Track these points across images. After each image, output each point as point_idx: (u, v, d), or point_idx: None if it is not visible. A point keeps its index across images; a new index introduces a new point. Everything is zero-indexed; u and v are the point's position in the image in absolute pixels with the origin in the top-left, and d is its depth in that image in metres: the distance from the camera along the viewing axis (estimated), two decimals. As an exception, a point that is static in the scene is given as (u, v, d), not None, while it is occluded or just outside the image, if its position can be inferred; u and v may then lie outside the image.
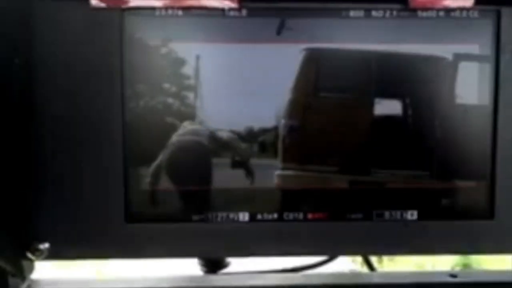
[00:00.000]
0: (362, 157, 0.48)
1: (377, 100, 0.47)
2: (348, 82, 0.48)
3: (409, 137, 0.48)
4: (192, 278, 0.53)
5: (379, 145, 0.48)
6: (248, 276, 0.53)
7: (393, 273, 0.62)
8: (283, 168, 0.47)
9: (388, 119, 0.48)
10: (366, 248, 0.48)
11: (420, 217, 0.48)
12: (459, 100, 0.48)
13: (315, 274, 0.57)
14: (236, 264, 0.56)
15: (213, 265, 0.56)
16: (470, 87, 0.48)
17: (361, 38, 0.47)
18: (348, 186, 0.48)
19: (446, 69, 0.47)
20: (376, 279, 0.53)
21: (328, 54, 0.47)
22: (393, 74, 0.48)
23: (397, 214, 0.48)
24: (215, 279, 0.54)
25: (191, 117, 0.46)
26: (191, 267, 0.56)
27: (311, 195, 0.48)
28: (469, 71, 0.47)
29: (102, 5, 0.44)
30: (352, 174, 0.48)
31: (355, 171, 0.48)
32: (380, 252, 0.48)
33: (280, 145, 0.47)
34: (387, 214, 0.48)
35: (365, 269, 0.60)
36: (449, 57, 0.47)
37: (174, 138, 0.46)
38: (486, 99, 0.47)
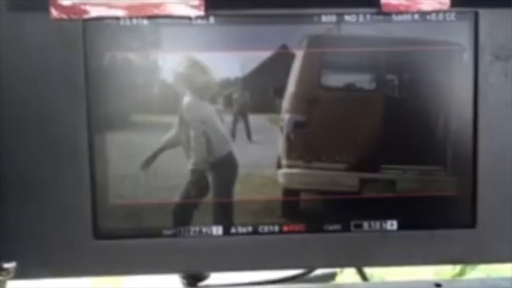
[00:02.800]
0: (371, 153, 0.46)
1: (387, 91, 0.45)
2: (355, 72, 0.46)
3: (421, 130, 0.46)
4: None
5: (390, 139, 0.46)
6: (228, 288, 0.51)
7: (378, 283, 0.60)
8: (289, 166, 0.46)
9: (398, 112, 0.46)
10: (343, 260, 0.47)
11: (400, 227, 0.46)
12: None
13: (299, 285, 0.56)
14: (217, 276, 0.54)
15: (192, 278, 0.55)
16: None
17: (334, 44, 0.45)
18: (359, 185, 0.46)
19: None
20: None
21: (333, 41, 0.45)
22: (403, 62, 0.45)
23: (376, 224, 0.47)
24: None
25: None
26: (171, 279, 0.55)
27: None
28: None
29: (63, 16, 0.43)
30: (362, 171, 0.46)
31: (364, 169, 0.46)
32: (358, 264, 0.47)
33: (284, 142, 0.45)
34: (365, 224, 0.46)
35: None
36: (464, 45, 0.45)
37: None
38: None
